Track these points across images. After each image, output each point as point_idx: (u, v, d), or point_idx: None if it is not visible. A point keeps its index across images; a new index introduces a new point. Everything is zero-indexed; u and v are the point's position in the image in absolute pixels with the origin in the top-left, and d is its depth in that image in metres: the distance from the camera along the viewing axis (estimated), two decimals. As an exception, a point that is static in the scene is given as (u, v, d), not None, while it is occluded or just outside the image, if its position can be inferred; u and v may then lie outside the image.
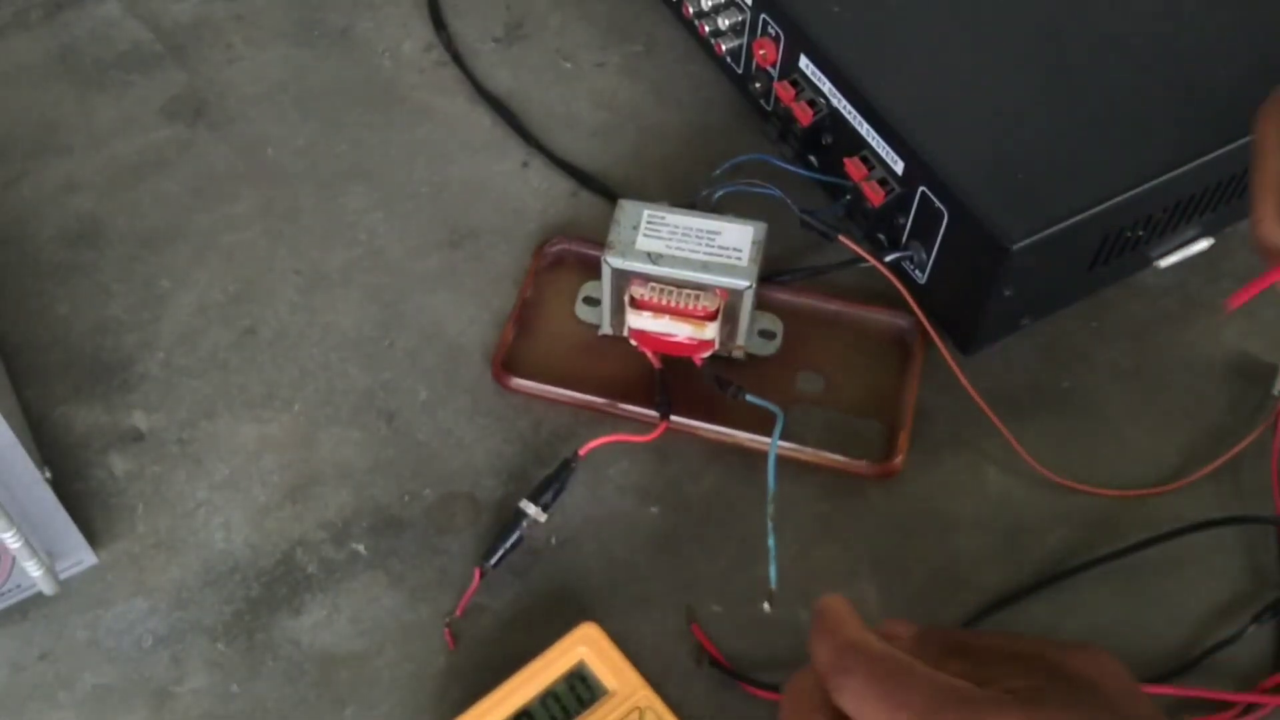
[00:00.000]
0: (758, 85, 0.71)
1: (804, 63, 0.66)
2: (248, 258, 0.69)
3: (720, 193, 0.67)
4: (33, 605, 0.58)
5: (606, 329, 0.65)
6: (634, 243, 0.61)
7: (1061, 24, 0.66)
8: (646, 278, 0.61)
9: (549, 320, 0.66)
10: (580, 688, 0.54)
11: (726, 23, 0.72)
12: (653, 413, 0.63)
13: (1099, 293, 0.67)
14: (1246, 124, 0.62)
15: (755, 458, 0.62)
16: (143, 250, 0.69)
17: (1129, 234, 0.63)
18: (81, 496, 0.61)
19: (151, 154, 0.73)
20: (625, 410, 0.63)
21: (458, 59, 0.78)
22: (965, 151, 0.61)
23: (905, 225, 0.64)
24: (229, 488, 0.62)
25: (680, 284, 0.61)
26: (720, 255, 0.60)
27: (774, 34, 0.68)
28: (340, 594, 0.59)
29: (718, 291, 0.61)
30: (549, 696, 0.54)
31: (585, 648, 0.55)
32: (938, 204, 0.61)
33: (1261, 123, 0.47)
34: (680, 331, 0.62)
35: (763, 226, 0.62)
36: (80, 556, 0.58)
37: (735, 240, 0.61)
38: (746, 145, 0.71)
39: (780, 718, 0.43)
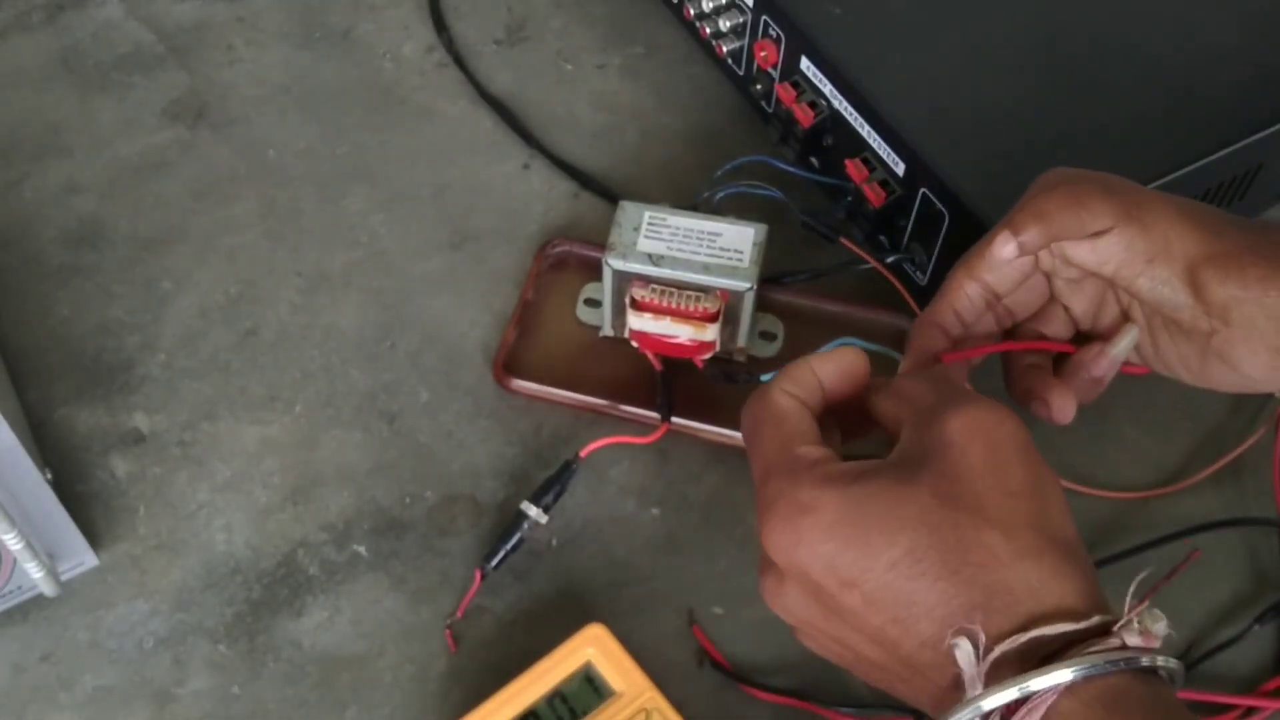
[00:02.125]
0: (759, 87, 0.71)
1: (805, 64, 0.66)
2: (249, 259, 0.69)
3: (721, 194, 0.67)
4: (34, 607, 0.58)
5: (608, 330, 0.65)
6: (635, 244, 0.61)
7: (1062, 26, 0.66)
8: (647, 279, 0.61)
9: (550, 322, 0.66)
10: (587, 688, 0.54)
11: (727, 24, 0.72)
12: (654, 414, 0.63)
13: (1100, 294, 0.67)
14: (1248, 125, 0.62)
15: (756, 459, 0.62)
16: (144, 252, 0.69)
17: (1130, 236, 0.63)
18: (83, 498, 0.61)
19: (153, 156, 0.73)
20: (626, 412, 0.63)
21: (459, 61, 0.78)
22: (966, 153, 0.61)
23: (906, 227, 0.64)
24: (230, 489, 0.62)
25: (681, 285, 0.61)
26: (721, 257, 0.60)
27: (775, 36, 0.68)
28: (341, 596, 0.59)
29: (719, 293, 0.61)
30: (556, 697, 0.54)
31: (593, 648, 0.55)
32: (939, 205, 0.61)
33: (951, 276, 0.50)
34: (681, 333, 0.62)
35: (764, 228, 0.62)
36: (81, 558, 0.58)
37: (736, 242, 0.61)
38: (747, 147, 0.71)
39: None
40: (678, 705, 0.54)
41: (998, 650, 0.38)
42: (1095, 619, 0.38)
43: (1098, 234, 0.47)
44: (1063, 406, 0.50)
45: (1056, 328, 0.52)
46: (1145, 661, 0.38)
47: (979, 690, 0.38)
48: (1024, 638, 0.38)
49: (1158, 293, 0.47)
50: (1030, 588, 0.39)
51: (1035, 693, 0.37)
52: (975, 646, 0.38)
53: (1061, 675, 0.37)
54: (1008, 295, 0.50)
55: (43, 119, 0.75)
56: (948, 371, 0.47)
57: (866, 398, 0.46)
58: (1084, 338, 0.52)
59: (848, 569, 0.40)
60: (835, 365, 0.47)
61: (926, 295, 0.64)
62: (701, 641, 0.57)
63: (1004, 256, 0.47)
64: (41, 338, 0.66)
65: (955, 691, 0.39)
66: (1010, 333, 0.53)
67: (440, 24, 0.80)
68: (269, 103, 0.76)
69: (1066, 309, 0.52)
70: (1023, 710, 0.37)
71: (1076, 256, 0.48)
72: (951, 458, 0.41)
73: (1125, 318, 0.51)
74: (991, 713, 0.38)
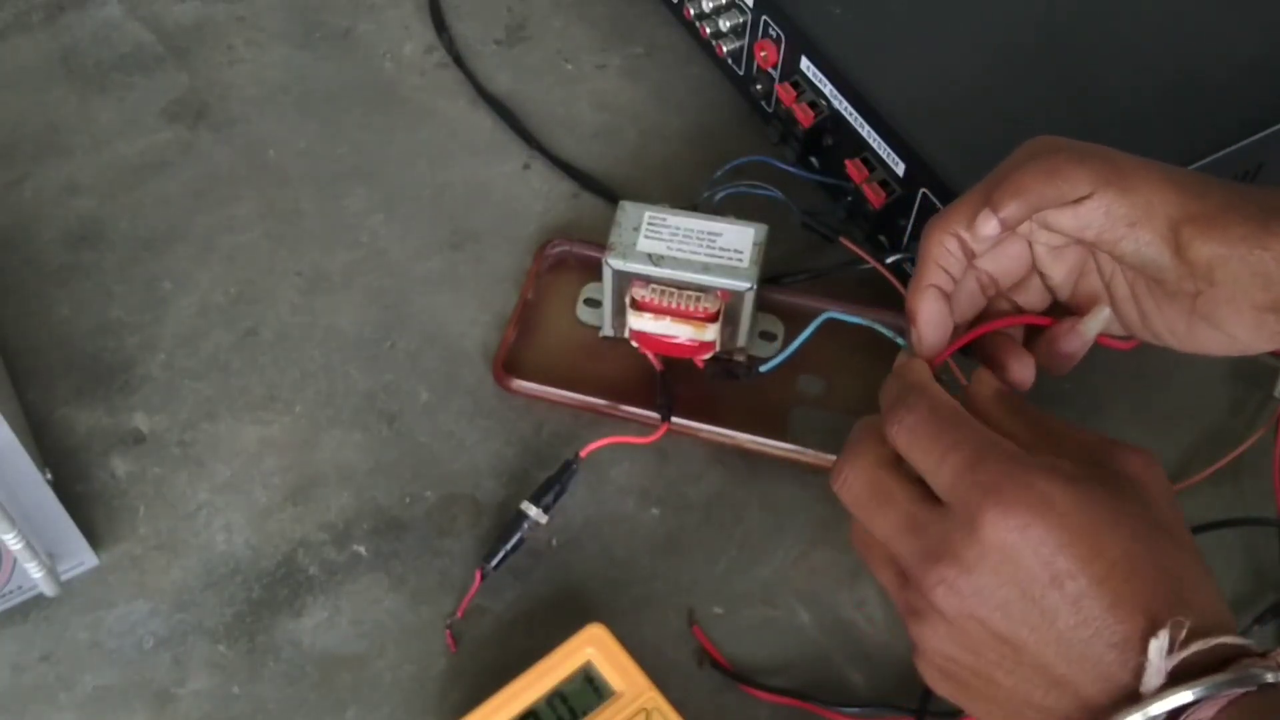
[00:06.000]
0: (759, 87, 0.71)
1: (805, 64, 0.66)
2: (249, 259, 0.69)
3: (721, 194, 0.67)
4: (34, 606, 0.58)
5: (608, 330, 0.65)
6: (635, 244, 0.61)
7: (1062, 25, 0.66)
8: (647, 279, 0.61)
9: (550, 322, 0.66)
10: (587, 688, 0.54)
11: (727, 24, 0.72)
12: (654, 414, 0.63)
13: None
14: (1248, 125, 0.62)
15: (756, 459, 0.62)
16: (144, 252, 0.69)
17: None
18: (83, 498, 0.61)
19: (153, 156, 0.73)
20: (626, 412, 0.63)
21: (459, 61, 0.78)
22: (966, 153, 0.61)
23: (906, 227, 0.64)
24: (230, 489, 0.62)
25: (681, 285, 0.61)
26: (721, 257, 0.60)
27: (775, 36, 0.68)
28: (341, 596, 0.59)
29: (719, 293, 0.61)
30: (556, 697, 0.54)
31: (593, 648, 0.55)
32: (939, 206, 0.61)
33: (925, 233, 0.50)
34: (681, 333, 0.62)
35: (764, 228, 0.62)
36: (81, 558, 0.58)
37: (736, 242, 0.61)
38: (748, 147, 0.71)
39: (842, 456, 0.46)
40: (678, 705, 0.54)
41: (1192, 648, 0.39)
42: (1251, 640, 0.40)
43: (1078, 200, 0.47)
44: (1022, 373, 0.50)
45: (1033, 298, 0.52)
46: None
47: (1160, 683, 0.39)
48: (1213, 642, 0.39)
49: (1141, 255, 0.47)
50: (1214, 606, 0.41)
51: (1218, 694, 0.38)
52: (1172, 643, 0.39)
53: (1257, 676, 0.39)
54: (984, 254, 0.50)
55: (43, 119, 0.75)
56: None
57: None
58: (1061, 308, 0.52)
59: (1069, 561, 0.40)
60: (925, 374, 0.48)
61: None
62: (701, 641, 0.57)
63: (987, 234, 0.48)
64: (41, 338, 0.66)
65: (1115, 698, 0.40)
66: (990, 304, 0.53)
67: (440, 24, 0.80)
68: (269, 103, 0.76)
69: (1044, 278, 0.52)
70: (1203, 707, 0.38)
71: (1058, 223, 0.48)
72: (1142, 485, 0.43)
73: (1105, 288, 0.51)
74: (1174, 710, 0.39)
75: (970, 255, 0.49)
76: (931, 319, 0.49)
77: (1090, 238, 0.48)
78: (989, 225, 0.47)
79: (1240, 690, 0.38)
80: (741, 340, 0.63)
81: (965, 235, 0.49)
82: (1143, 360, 0.66)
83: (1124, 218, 0.47)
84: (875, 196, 0.64)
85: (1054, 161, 0.47)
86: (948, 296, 0.50)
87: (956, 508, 0.42)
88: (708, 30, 0.74)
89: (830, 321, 0.66)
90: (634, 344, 0.63)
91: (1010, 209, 0.47)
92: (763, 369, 0.59)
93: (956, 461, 0.42)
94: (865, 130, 0.64)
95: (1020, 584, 0.41)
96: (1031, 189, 0.47)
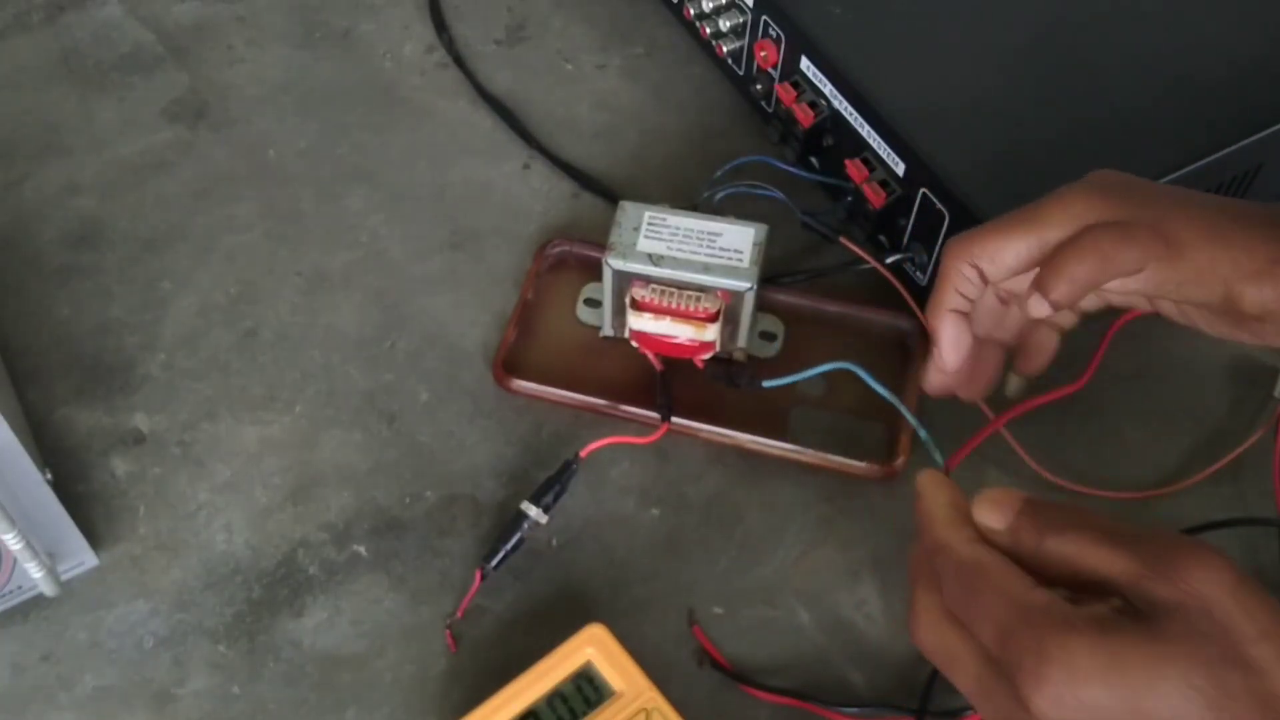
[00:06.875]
0: (759, 87, 0.71)
1: (805, 64, 0.67)
2: (249, 259, 0.69)
3: (721, 194, 0.67)
4: (34, 607, 0.58)
5: (608, 330, 0.65)
6: (635, 244, 0.61)
7: (1061, 25, 0.66)
8: (647, 279, 0.61)
9: (550, 322, 0.66)
10: (587, 688, 0.54)
11: (727, 24, 0.72)
12: (654, 414, 0.63)
13: (1100, 294, 0.67)
14: (1248, 125, 0.62)
15: (756, 459, 0.62)
16: (144, 252, 0.69)
17: (1130, 236, 0.63)
18: (83, 498, 0.61)
19: (153, 156, 0.73)
20: (626, 412, 0.63)
21: (459, 61, 0.78)
22: (966, 153, 0.61)
23: (906, 227, 0.64)
24: (230, 489, 0.62)
25: (681, 286, 0.61)
26: (721, 257, 0.60)
27: (775, 36, 0.68)
28: (341, 596, 0.59)
29: (719, 293, 0.61)
30: (556, 697, 0.54)
31: (592, 648, 0.55)
32: (939, 205, 0.61)
33: (945, 254, 0.52)
34: (681, 333, 0.62)
35: (764, 228, 0.62)
36: (81, 558, 0.58)
37: (736, 242, 0.61)
38: (748, 147, 0.71)
39: (910, 604, 0.46)
40: (678, 705, 0.54)
41: None
42: None
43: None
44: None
45: (1063, 315, 0.54)
46: None
47: None
48: None
49: (1193, 302, 0.50)
50: None
51: None
52: None
53: None
54: (1002, 280, 0.52)
55: (43, 119, 0.75)
56: (1127, 526, 0.44)
57: (1047, 550, 0.44)
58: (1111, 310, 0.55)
59: (1118, 716, 0.39)
60: (954, 496, 0.47)
61: (927, 295, 0.64)
62: (701, 641, 0.57)
63: (1039, 314, 0.49)
64: (41, 338, 0.66)
65: None
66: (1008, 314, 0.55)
67: (440, 24, 0.80)
68: (269, 103, 0.76)
69: None
70: None
71: (1109, 288, 0.50)
72: (1203, 611, 0.40)
73: (1149, 305, 0.53)
74: None
75: (986, 281, 0.51)
76: (951, 339, 0.53)
77: (1142, 295, 0.50)
78: (1041, 308, 0.49)
79: None
80: (741, 340, 0.63)
81: (983, 265, 0.51)
82: (1143, 360, 0.66)
83: (1173, 279, 0.48)
84: (875, 196, 0.64)
85: (1100, 243, 0.48)
86: (966, 315, 0.52)
87: (1007, 680, 0.41)
88: (708, 30, 0.74)
89: (832, 320, 0.66)
90: (634, 344, 0.63)
91: (1061, 292, 0.48)
92: (766, 384, 0.59)
93: (989, 634, 0.42)
94: (865, 130, 0.64)
95: None
96: (1082, 277, 0.48)
